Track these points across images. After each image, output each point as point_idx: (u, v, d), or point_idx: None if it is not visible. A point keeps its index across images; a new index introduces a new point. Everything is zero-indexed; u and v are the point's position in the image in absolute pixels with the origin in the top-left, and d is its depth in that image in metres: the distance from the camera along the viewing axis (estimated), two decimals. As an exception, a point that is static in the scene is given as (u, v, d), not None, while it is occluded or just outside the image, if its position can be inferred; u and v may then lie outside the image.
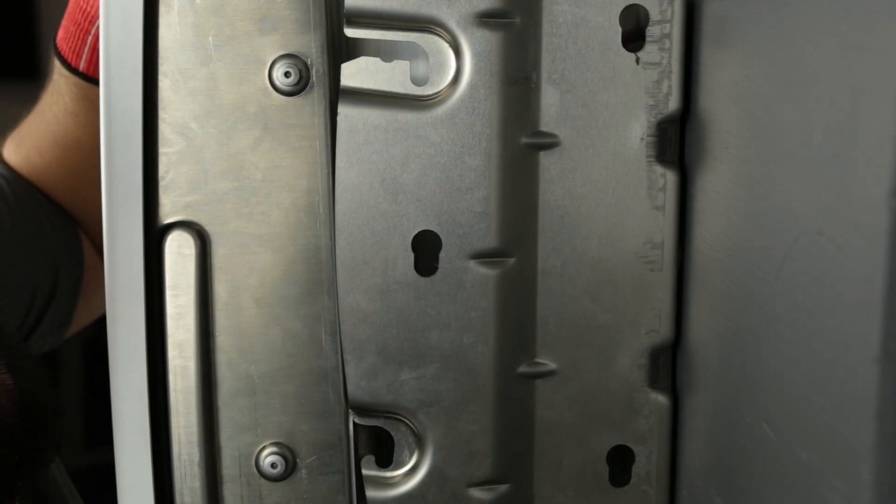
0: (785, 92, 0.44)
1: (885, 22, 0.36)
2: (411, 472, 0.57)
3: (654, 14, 0.54)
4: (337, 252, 0.55)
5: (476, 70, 0.53)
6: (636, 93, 0.55)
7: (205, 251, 0.57)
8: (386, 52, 0.55)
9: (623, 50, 0.54)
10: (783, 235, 0.44)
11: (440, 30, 0.53)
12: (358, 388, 0.56)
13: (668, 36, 0.54)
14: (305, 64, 0.56)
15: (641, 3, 0.54)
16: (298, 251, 0.58)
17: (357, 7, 0.53)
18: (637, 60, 0.54)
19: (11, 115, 0.89)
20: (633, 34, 0.55)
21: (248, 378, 0.58)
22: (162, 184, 0.57)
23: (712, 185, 0.53)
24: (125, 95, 0.55)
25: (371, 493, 0.57)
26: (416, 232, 0.54)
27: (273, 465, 0.58)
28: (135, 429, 0.57)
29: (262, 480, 0.59)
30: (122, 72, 0.55)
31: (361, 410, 0.57)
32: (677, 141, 0.56)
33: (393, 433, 0.57)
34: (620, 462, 0.59)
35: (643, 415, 0.58)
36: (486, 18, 0.53)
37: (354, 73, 0.54)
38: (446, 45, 0.53)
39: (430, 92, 0.54)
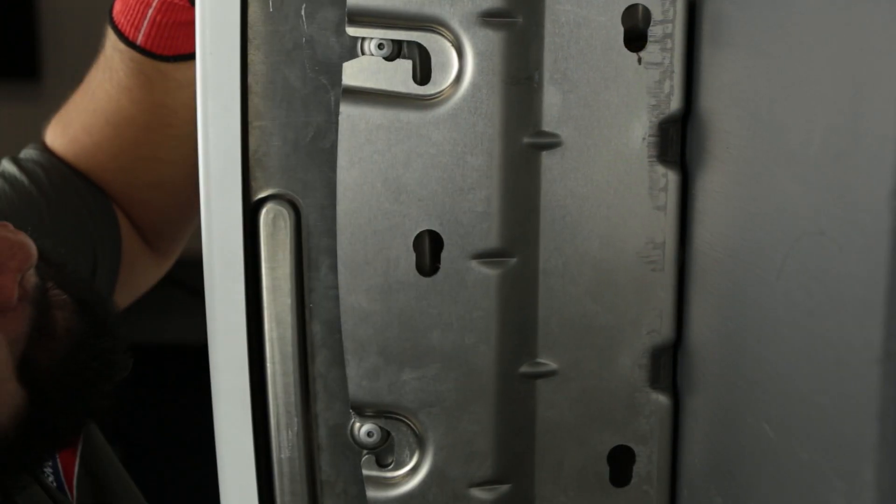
0: (785, 92, 0.44)
1: (885, 22, 0.36)
2: (412, 472, 0.57)
3: (655, 14, 0.54)
4: (338, 252, 0.55)
5: (478, 70, 0.53)
6: (638, 93, 0.55)
7: (299, 223, 0.57)
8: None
9: (625, 50, 0.54)
10: (784, 235, 0.44)
11: (442, 29, 0.53)
12: (359, 388, 0.56)
13: (670, 36, 0.54)
14: None
15: (643, 3, 0.54)
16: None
17: (359, 6, 0.53)
18: (639, 60, 0.54)
19: (11, 115, 0.89)
20: (635, 34, 0.55)
21: (341, 349, 0.58)
22: (255, 157, 0.56)
23: (713, 185, 0.53)
24: (223, 70, 0.55)
25: (371, 493, 0.57)
26: (417, 232, 0.54)
27: (369, 434, 0.58)
28: (235, 401, 0.57)
29: (359, 449, 0.59)
30: (220, 46, 0.54)
31: (362, 410, 0.57)
32: (679, 141, 0.56)
33: (394, 433, 0.57)
34: (621, 462, 0.59)
35: (644, 415, 0.58)
36: (488, 18, 0.53)
37: (356, 73, 0.54)
38: (448, 45, 0.53)
39: (432, 91, 0.54)
